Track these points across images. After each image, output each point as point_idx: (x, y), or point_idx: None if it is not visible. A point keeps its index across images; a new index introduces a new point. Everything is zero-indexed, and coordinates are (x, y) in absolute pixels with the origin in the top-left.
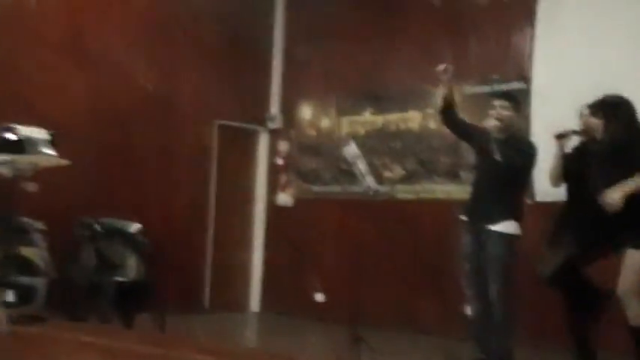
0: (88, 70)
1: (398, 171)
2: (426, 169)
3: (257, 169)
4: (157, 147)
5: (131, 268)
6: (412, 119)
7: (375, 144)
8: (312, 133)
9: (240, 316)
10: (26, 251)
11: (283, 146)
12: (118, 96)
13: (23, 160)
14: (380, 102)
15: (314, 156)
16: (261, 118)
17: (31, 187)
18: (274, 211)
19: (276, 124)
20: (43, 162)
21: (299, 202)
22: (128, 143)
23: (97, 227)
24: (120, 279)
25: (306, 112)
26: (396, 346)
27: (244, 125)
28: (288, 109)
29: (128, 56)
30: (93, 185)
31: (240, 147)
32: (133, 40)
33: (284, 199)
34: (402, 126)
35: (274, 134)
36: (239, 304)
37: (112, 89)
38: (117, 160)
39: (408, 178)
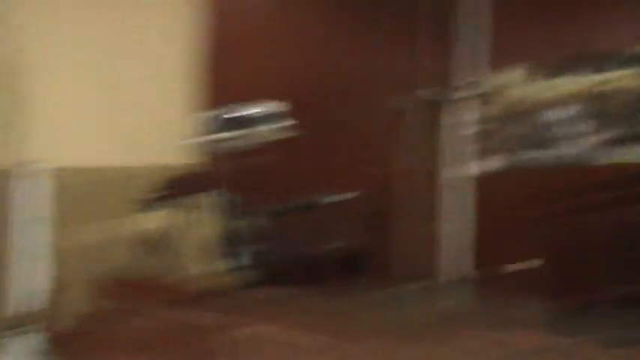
0: (302, 53)
1: (609, 134)
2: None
3: (457, 136)
4: (361, 122)
5: (347, 235)
6: (624, 79)
7: (584, 107)
8: (516, 97)
9: (437, 284)
10: (245, 223)
11: (485, 112)
12: (322, 77)
13: (249, 134)
14: (588, 63)
15: (517, 122)
16: (459, 84)
17: (258, 161)
18: (473, 179)
19: (476, 89)
20: (268, 136)
21: (501, 169)
22: (338, 119)
23: (314, 199)
24: (336, 246)
25: (510, 76)
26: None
27: (440, 92)
28: (492, 74)
29: (325, 41)
30: (310, 159)
31: (439, 115)
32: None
33: (485, 166)
34: (612, 87)
35: (474, 100)
36: (432, 272)
37: (319, 70)
38: (330, 135)
39: (621, 141)
